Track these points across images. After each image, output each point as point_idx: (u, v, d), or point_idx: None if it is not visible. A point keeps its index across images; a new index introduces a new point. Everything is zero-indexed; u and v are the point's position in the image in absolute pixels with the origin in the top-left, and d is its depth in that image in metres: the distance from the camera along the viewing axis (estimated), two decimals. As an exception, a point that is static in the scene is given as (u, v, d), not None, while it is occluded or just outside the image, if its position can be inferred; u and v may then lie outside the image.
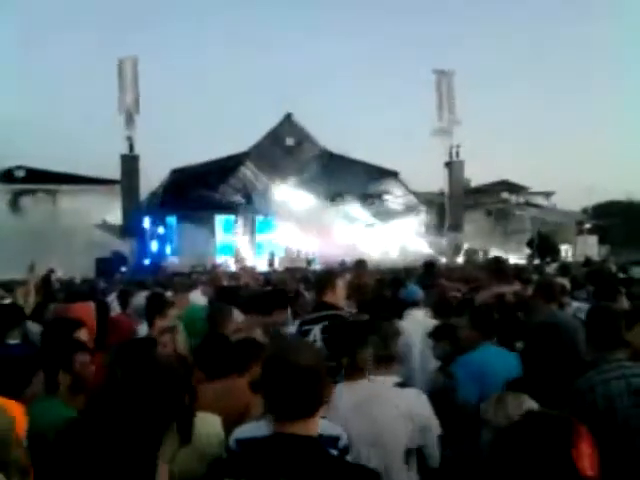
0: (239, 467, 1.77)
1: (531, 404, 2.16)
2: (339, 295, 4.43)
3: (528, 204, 34.23)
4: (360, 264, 8.54)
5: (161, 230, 26.71)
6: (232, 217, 29.18)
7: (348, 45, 72.91)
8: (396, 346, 3.36)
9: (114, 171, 25.65)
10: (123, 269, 22.29)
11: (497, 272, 7.93)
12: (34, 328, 5.14)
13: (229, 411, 2.92)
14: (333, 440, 2.44)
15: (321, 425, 2.47)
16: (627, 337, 2.90)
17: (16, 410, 2.43)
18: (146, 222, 25.95)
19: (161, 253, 26.23)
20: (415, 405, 3.01)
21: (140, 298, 6.37)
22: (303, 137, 30.07)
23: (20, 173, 29.01)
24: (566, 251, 29.04)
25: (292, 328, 4.48)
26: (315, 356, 1.88)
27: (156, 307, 4.96)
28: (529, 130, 70.18)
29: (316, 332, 4.03)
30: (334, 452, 2.39)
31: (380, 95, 65.62)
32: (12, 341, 4.29)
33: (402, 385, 3.18)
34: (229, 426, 2.61)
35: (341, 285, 4.46)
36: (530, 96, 75.28)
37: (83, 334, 3.92)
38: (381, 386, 3.06)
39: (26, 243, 22.91)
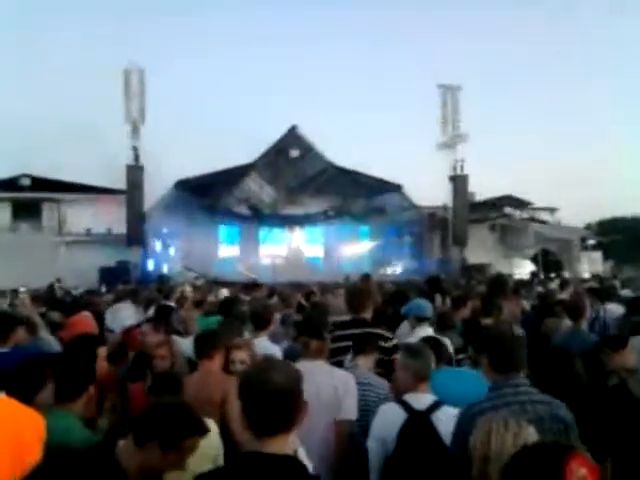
0: None
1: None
2: None
3: (532, 219, 34.13)
4: (365, 278, 8.53)
5: (164, 241, 26.72)
6: (236, 228, 29.41)
7: (353, 58, 73.21)
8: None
9: (120, 181, 25.73)
10: (127, 279, 22.22)
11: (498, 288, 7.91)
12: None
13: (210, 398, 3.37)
14: None
15: None
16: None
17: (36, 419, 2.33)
18: (150, 232, 25.97)
19: (165, 263, 26.18)
20: None
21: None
22: (307, 149, 30.12)
23: (25, 181, 29.04)
24: (570, 267, 28.93)
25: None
26: (291, 376, 1.88)
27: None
28: (534, 145, 70.14)
29: None
30: None
31: (385, 109, 65.78)
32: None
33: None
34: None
35: (379, 301, 4.43)
36: (535, 111, 75.59)
37: (102, 352, 4.08)
38: None
39: (30, 252, 23.03)
